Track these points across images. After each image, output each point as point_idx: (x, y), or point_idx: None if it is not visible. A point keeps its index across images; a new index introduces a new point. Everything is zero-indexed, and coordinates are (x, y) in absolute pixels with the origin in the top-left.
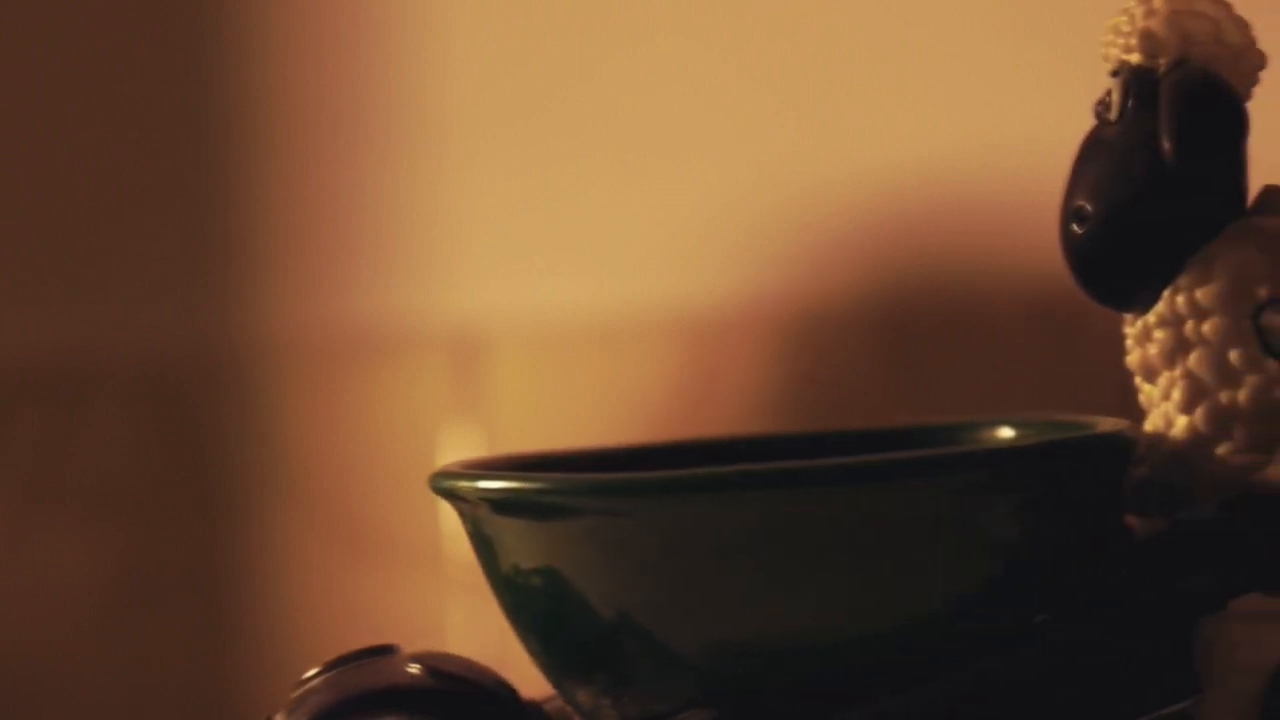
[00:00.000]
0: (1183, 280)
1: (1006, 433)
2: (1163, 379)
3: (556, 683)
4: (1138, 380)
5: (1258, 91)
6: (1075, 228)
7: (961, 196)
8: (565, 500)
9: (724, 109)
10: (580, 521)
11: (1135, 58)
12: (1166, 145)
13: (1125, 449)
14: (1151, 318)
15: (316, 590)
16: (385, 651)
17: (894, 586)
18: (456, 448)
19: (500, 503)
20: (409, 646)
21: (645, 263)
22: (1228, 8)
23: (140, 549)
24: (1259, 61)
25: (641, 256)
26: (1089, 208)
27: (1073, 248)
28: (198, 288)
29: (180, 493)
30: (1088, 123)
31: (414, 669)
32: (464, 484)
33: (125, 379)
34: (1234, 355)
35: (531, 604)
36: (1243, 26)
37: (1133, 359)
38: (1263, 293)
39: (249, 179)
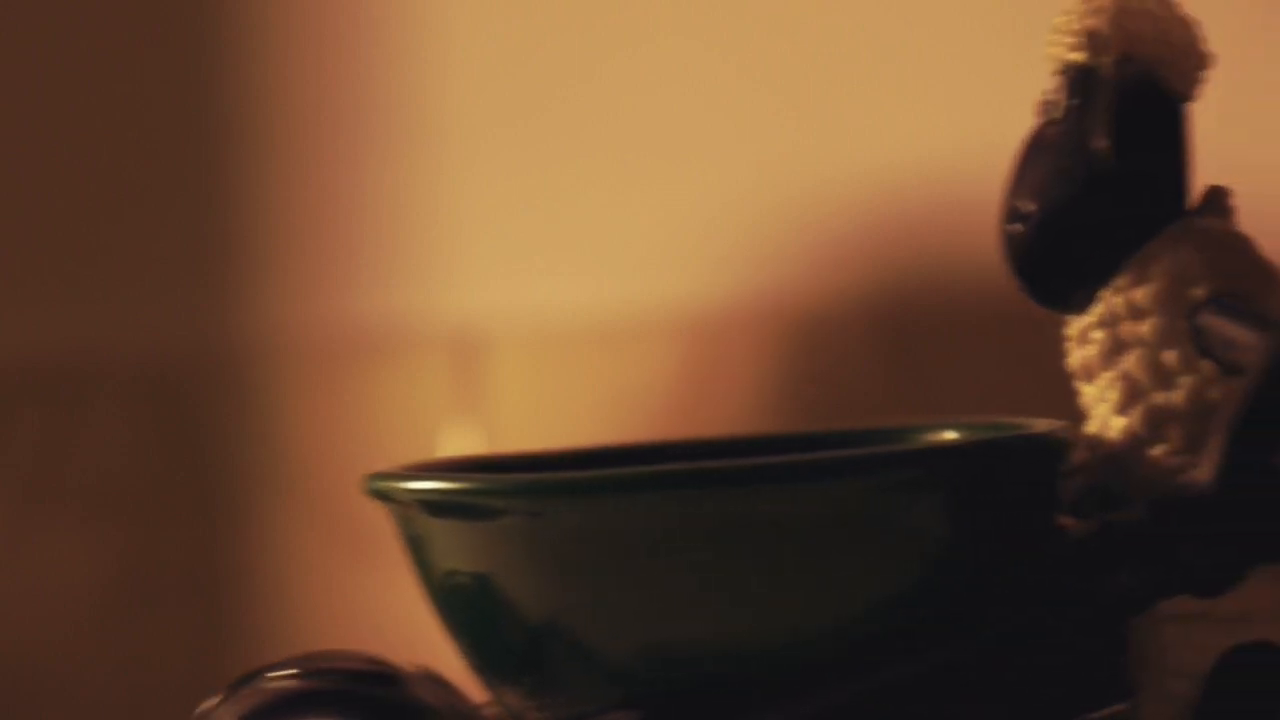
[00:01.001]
0: (1120, 281)
1: (949, 435)
2: (1100, 380)
3: (487, 684)
4: (1078, 383)
5: (1206, 91)
6: (1014, 227)
7: (961, 196)
8: (486, 501)
9: (724, 109)
10: (501, 523)
11: (1078, 56)
12: (1101, 144)
13: (1054, 450)
14: (1089, 318)
15: (316, 590)
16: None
17: (818, 587)
18: (456, 448)
19: (429, 504)
20: (409, 647)
21: (645, 263)
22: (1173, 7)
23: (140, 549)
24: (1203, 61)
25: (641, 256)
26: (1028, 207)
27: (1011, 248)
28: (198, 288)
29: (180, 493)
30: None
31: (316, 672)
32: (394, 485)
33: (125, 379)
34: (1170, 356)
35: (460, 606)
36: (1188, 26)
37: (1072, 360)
38: (1199, 293)
39: (249, 179)
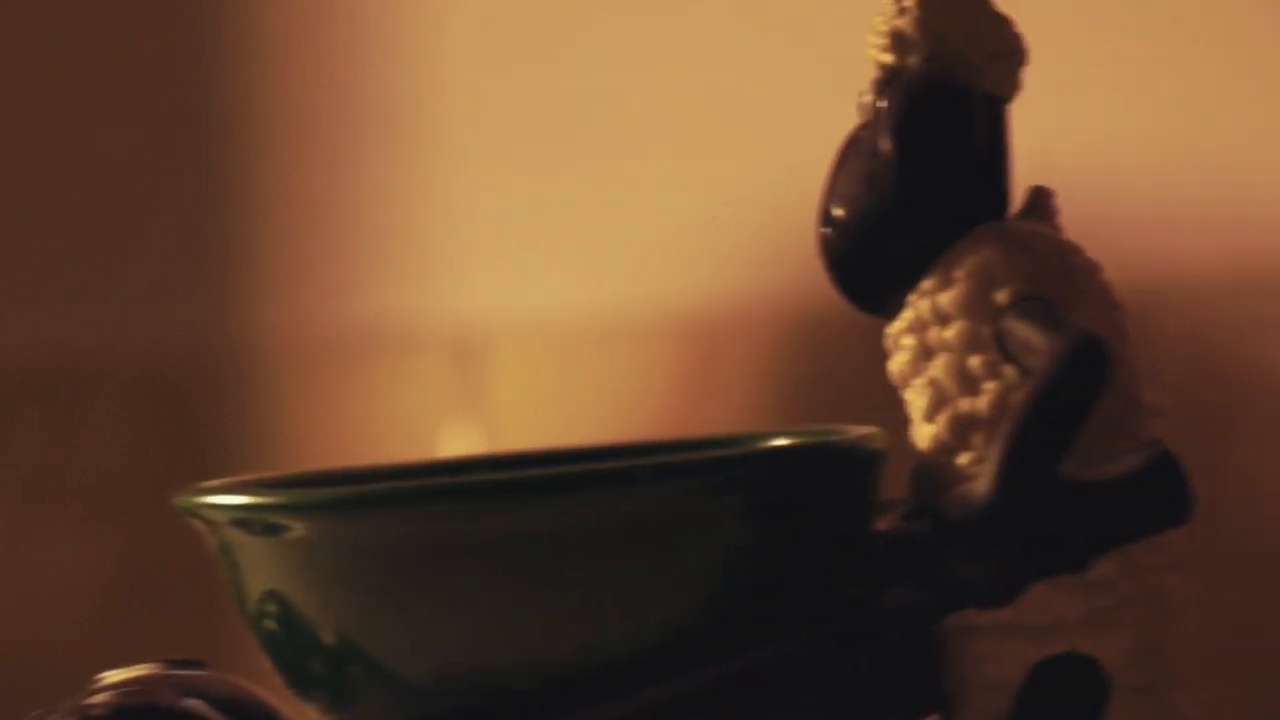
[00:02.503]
0: (927, 285)
1: (777, 444)
2: (913, 387)
3: (295, 696)
4: (899, 389)
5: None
6: (824, 231)
7: None
8: (266, 517)
9: (724, 109)
10: (284, 539)
11: (887, 58)
12: (884, 145)
13: (855, 457)
14: (900, 324)
15: None
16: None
17: (606, 602)
18: (456, 448)
19: (234, 520)
20: None
21: (645, 263)
22: (987, 4)
23: (140, 549)
24: (1019, 60)
25: (641, 256)
26: (836, 211)
27: (823, 252)
28: (198, 288)
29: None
30: (1087, 124)
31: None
32: (193, 500)
33: (125, 379)
34: (975, 362)
35: (259, 620)
36: (1003, 23)
37: (890, 367)
38: (1003, 297)
39: (249, 179)
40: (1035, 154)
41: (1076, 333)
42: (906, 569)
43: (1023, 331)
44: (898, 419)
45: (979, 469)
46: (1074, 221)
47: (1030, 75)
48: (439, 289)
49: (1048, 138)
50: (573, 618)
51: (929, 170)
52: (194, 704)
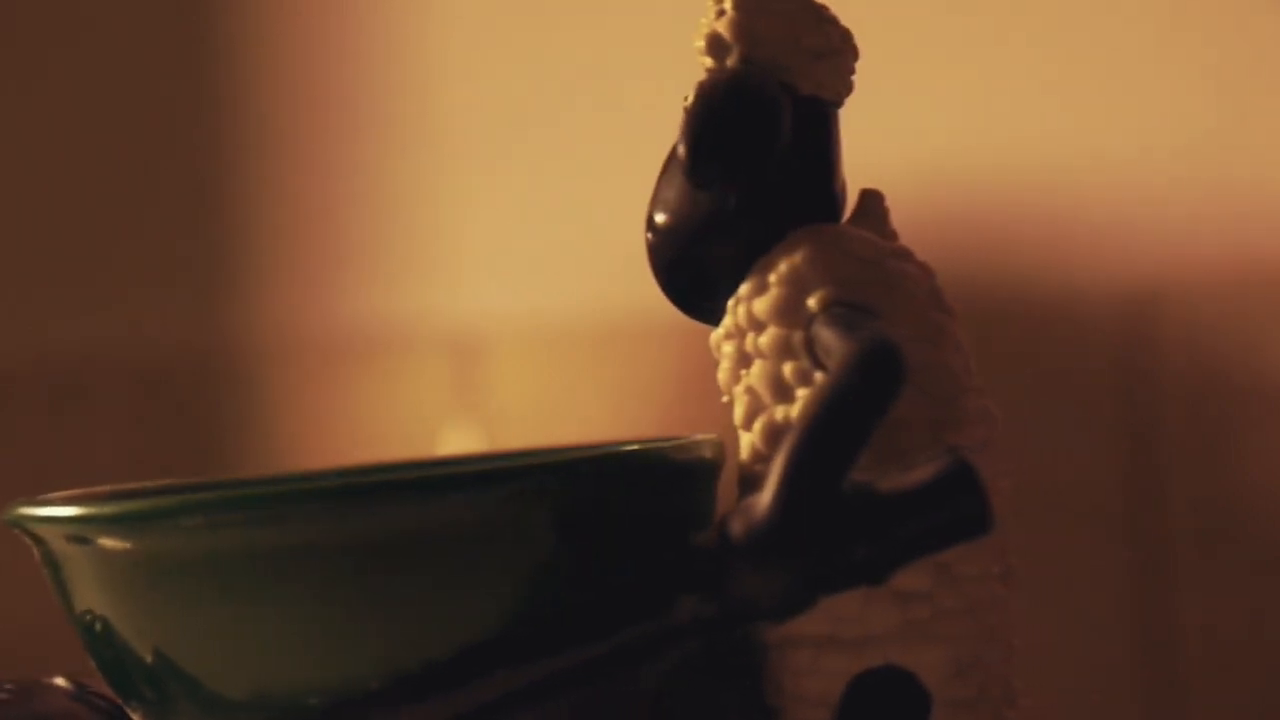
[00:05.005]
0: (744, 290)
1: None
2: (734, 394)
3: (121, 702)
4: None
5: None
6: (648, 237)
7: (961, 196)
8: (77, 530)
9: None
10: (88, 550)
11: (706, 61)
12: (680, 151)
13: (668, 466)
14: (720, 330)
15: None
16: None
17: (409, 613)
18: (456, 448)
19: (68, 534)
20: None
21: (644, 264)
22: (809, 5)
23: None
24: (845, 60)
25: (641, 257)
26: (657, 218)
27: (648, 258)
28: (198, 288)
29: None
30: (1087, 123)
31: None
32: (21, 513)
33: (125, 379)
34: (788, 369)
35: (86, 633)
36: (826, 24)
37: (718, 374)
38: (813, 303)
39: (249, 179)
40: (1035, 154)
41: (867, 338)
42: (695, 582)
43: (826, 337)
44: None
45: (765, 480)
46: (1075, 221)
47: (1030, 75)
48: (438, 289)
49: (1048, 138)
50: (376, 630)
51: (724, 174)
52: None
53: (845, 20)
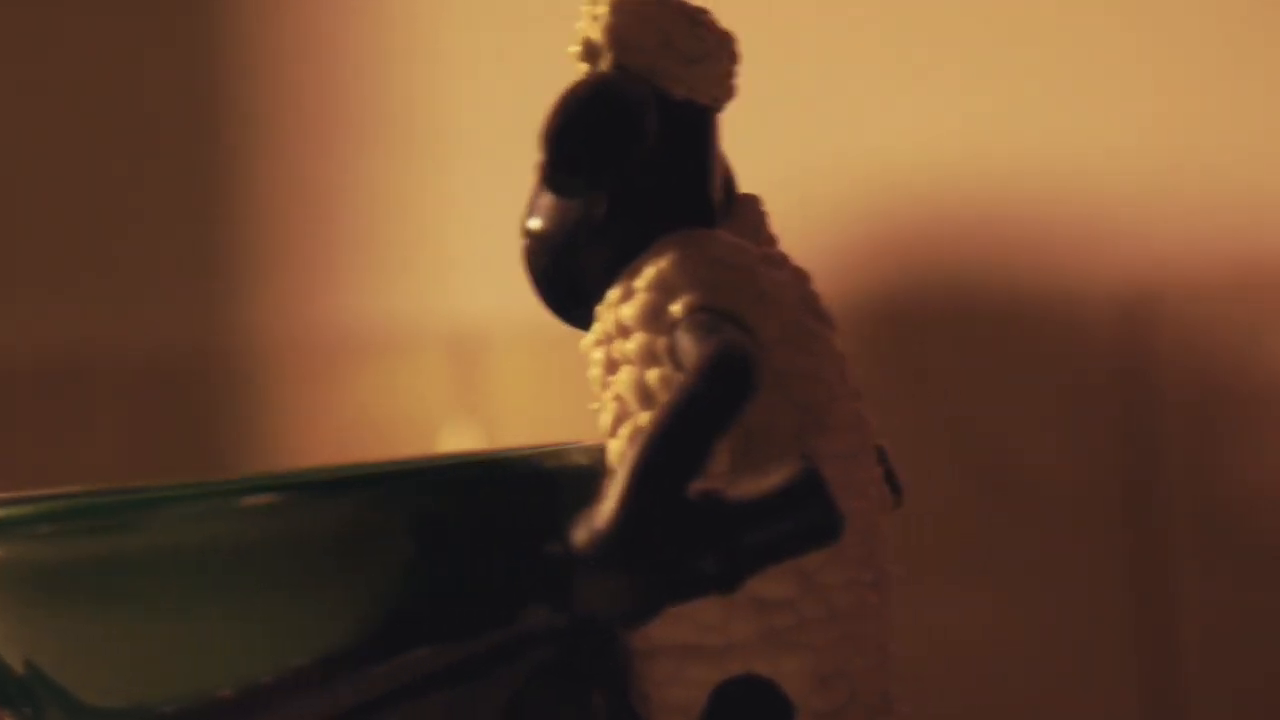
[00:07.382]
0: (612, 296)
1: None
2: (602, 401)
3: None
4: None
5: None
6: (524, 243)
7: (962, 196)
8: None
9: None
10: None
11: (582, 65)
12: (541, 158)
13: (528, 474)
14: (590, 336)
15: None
16: None
17: (262, 626)
18: (456, 447)
19: None
20: None
21: None
22: (687, 10)
23: None
24: (722, 64)
25: None
26: (531, 224)
27: (524, 265)
28: (198, 287)
29: None
30: (1086, 124)
31: None
32: None
33: (125, 379)
34: (652, 375)
35: None
36: (702, 28)
37: (590, 380)
38: (677, 309)
39: (249, 179)
40: (1035, 154)
41: (718, 343)
42: (544, 590)
43: (684, 342)
44: (898, 419)
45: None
46: (1074, 222)
47: (1029, 76)
48: (438, 288)
49: (1048, 138)
50: (232, 638)
51: (585, 182)
52: None
53: (846, 20)
